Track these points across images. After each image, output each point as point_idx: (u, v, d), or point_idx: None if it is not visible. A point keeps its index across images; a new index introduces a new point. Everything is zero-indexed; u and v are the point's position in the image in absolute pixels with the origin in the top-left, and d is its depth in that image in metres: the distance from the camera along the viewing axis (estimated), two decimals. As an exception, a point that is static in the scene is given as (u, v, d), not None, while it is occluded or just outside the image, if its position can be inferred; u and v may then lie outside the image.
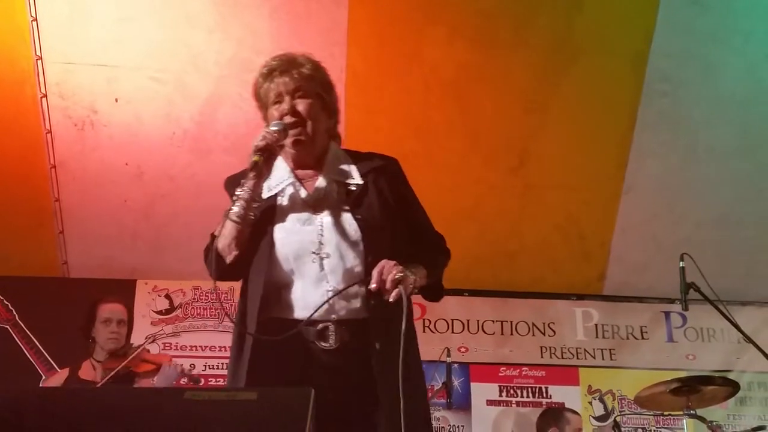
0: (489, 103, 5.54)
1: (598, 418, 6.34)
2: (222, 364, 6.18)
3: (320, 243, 2.60)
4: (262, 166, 2.59)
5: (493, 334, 6.50)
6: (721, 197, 6.02)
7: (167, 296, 6.31)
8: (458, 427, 6.16)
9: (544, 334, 6.57)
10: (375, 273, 2.48)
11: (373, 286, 2.47)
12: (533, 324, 6.57)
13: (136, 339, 5.96)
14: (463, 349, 6.31)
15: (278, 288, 2.60)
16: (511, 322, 6.55)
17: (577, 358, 6.53)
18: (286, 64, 2.77)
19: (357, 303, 2.58)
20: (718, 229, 6.10)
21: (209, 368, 6.16)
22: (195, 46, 5.23)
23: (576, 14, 5.23)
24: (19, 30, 5.15)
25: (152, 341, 5.91)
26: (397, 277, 2.46)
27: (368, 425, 2.51)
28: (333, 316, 2.55)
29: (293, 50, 5.13)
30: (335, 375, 2.53)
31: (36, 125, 5.48)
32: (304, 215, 2.65)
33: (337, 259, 2.59)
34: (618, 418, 5.77)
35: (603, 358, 6.56)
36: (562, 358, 6.52)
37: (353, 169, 2.74)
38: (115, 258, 6.09)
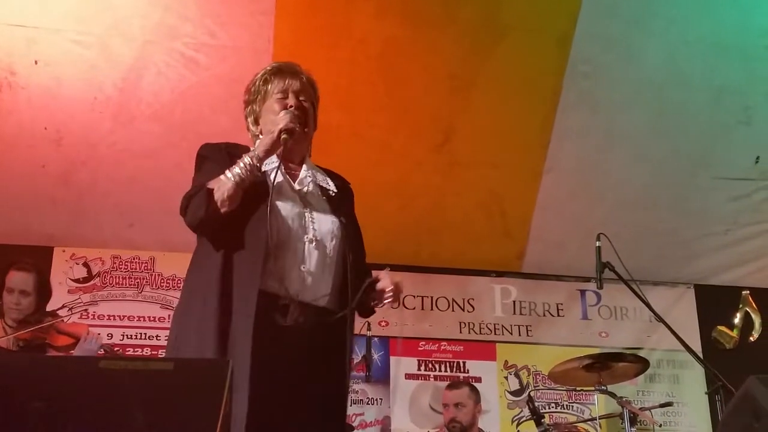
0: (416, 78, 5.53)
1: (513, 393, 6.46)
2: (140, 334, 6.11)
3: (310, 228, 2.75)
4: (287, 143, 2.73)
5: (414, 308, 6.56)
6: (637, 179, 6.13)
7: (85, 264, 6.21)
8: (377, 399, 6.21)
9: (463, 309, 6.66)
10: (394, 281, 2.72)
11: (390, 291, 2.71)
12: (453, 300, 6.66)
13: (53, 307, 5.86)
14: (383, 323, 6.34)
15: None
16: (432, 297, 6.62)
17: (495, 334, 6.64)
18: (293, 68, 2.96)
19: (324, 291, 2.72)
20: (633, 211, 6.21)
21: (127, 338, 6.09)
22: (120, 9, 5.10)
23: (503, -8, 5.26)
24: (-66, -13, 4.97)
25: (69, 310, 5.80)
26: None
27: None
28: (298, 297, 2.66)
29: (220, 18, 5.12)
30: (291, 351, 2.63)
31: (-50, 86, 5.31)
32: (296, 198, 2.80)
33: (320, 247, 2.74)
34: (532, 393, 5.90)
35: (520, 334, 6.67)
36: (480, 333, 6.62)
37: (328, 179, 2.95)
38: (31, 224, 5.95)
